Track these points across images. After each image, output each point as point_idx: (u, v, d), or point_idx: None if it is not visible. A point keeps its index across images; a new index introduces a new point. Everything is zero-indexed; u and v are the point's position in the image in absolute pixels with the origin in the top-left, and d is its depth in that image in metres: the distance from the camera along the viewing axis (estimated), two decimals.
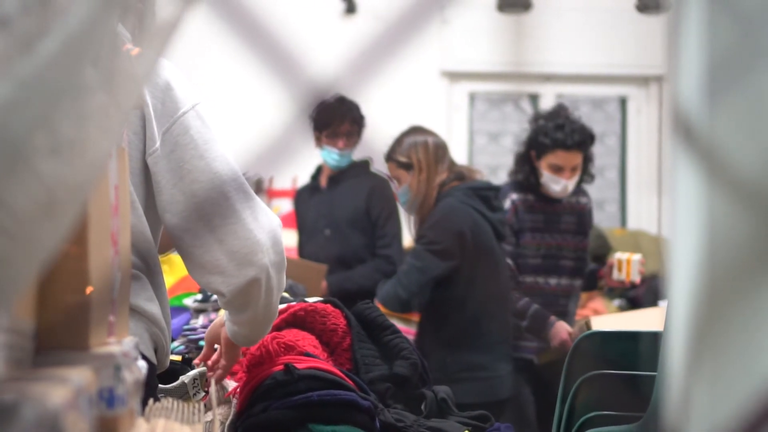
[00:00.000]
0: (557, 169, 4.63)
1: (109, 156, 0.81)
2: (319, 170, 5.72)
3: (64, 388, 0.92)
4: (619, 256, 4.61)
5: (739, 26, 0.73)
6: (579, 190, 4.84)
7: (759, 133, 0.73)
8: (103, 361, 1.25)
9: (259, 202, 2.19)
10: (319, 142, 5.53)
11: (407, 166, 4.71)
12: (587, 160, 4.72)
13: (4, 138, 0.74)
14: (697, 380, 0.73)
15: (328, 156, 5.48)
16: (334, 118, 5.43)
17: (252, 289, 2.17)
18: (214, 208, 2.12)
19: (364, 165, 5.59)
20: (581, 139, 4.60)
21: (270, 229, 2.18)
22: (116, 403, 1.26)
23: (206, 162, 2.12)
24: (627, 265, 4.56)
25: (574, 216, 4.79)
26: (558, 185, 4.64)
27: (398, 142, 4.83)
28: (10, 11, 0.72)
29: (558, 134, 4.61)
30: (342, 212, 5.38)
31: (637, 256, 4.58)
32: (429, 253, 4.36)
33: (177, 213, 2.11)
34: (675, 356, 0.75)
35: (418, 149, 4.80)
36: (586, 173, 4.75)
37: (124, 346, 1.40)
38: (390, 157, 4.77)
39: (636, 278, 4.58)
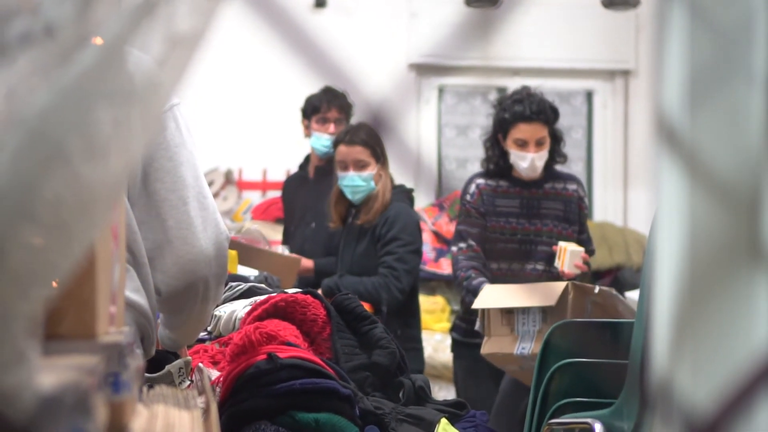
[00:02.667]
0: (522, 144, 4.59)
1: (138, 157, 0.87)
2: (307, 160, 5.79)
3: (86, 372, 0.99)
4: (561, 244, 4.45)
5: (718, 41, 0.81)
6: (568, 177, 4.81)
7: (735, 138, 0.80)
8: (109, 349, 1.31)
9: (212, 212, 2.27)
10: (308, 130, 5.63)
11: (378, 158, 4.81)
12: (556, 138, 4.70)
13: (45, 141, 0.80)
14: (680, 364, 0.81)
15: (318, 142, 5.58)
16: (322, 103, 5.55)
17: (189, 294, 2.26)
18: (171, 211, 2.20)
19: None
20: (539, 109, 4.60)
21: (217, 241, 2.27)
22: (122, 388, 1.32)
23: (173, 164, 2.20)
24: (563, 254, 4.39)
25: (560, 202, 4.70)
26: (525, 161, 4.58)
27: (361, 128, 4.90)
28: (53, 24, 0.79)
29: (516, 107, 4.62)
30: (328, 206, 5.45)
31: (575, 248, 4.40)
32: (411, 254, 4.87)
33: (137, 207, 2.19)
34: (659, 342, 0.83)
35: (383, 144, 4.93)
36: (557, 153, 4.71)
37: (125, 334, 1.46)
38: (362, 140, 4.82)
39: (568, 270, 4.34)
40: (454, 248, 4.68)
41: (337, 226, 4.98)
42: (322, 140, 5.55)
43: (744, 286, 0.80)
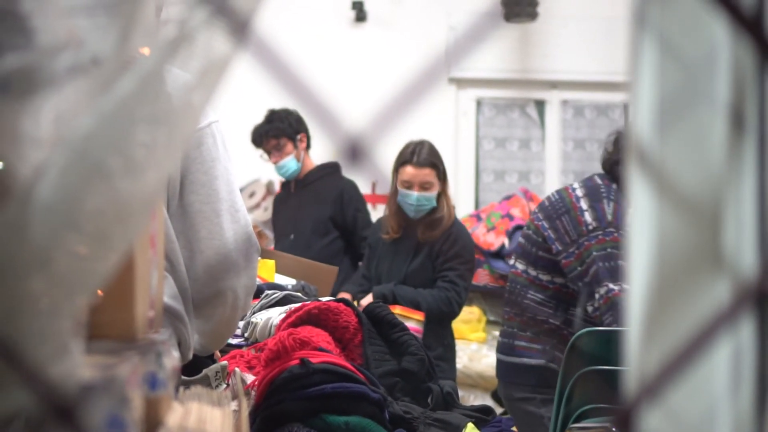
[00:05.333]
0: None
1: (172, 173, 0.97)
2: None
3: (126, 368, 1.10)
4: None
5: (685, 71, 0.90)
6: None
7: (700, 158, 0.90)
8: (147, 349, 1.42)
9: (244, 225, 2.35)
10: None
11: (441, 177, 4.92)
12: None
13: (87, 160, 0.91)
14: (649, 359, 0.90)
15: (276, 170, 5.83)
16: (259, 137, 5.78)
17: (218, 302, 2.34)
18: (203, 222, 2.29)
19: (329, 168, 5.81)
20: None
21: (248, 253, 2.36)
22: (158, 386, 1.43)
23: (208, 178, 2.29)
24: None
25: None
26: None
27: (424, 146, 4.97)
28: (96, 56, 0.90)
29: None
30: (306, 217, 5.58)
31: None
32: (469, 273, 4.99)
33: (174, 218, 2.29)
34: (632, 341, 0.92)
35: (443, 161, 5.03)
36: None
37: (162, 336, 1.57)
38: (430, 162, 4.89)
39: None
40: (615, 286, 3.75)
41: (392, 238, 5.05)
42: (276, 169, 5.80)
43: (707, 291, 0.89)
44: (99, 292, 1.21)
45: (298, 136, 5.78)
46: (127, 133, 0.92)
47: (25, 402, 0.90)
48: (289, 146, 5.74)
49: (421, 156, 4.89)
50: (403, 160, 4.96)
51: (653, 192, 0.90)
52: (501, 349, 4.11)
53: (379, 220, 5.24)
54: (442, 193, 4.95)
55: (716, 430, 0.89)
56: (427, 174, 4.87)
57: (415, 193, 4.88)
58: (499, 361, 4.12)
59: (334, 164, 5.87)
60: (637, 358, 0.91)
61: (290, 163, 5.74)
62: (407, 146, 5.01)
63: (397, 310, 4.54)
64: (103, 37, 0.92)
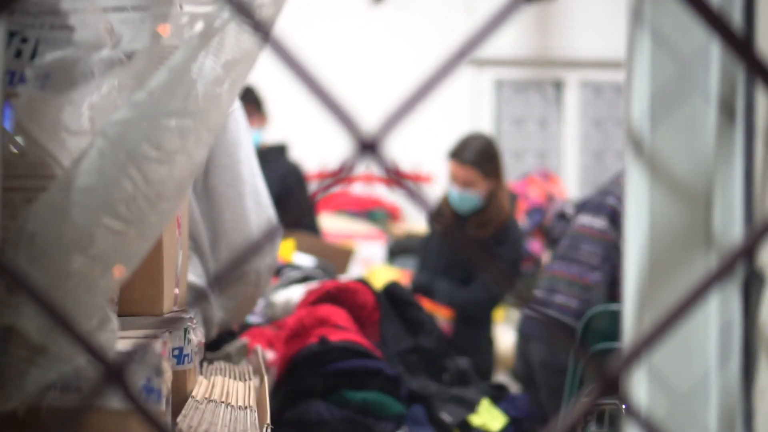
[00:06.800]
0: None
1: (201, 161, 1.04)
2: None
3: (157, 341, 1.17)
4: None
5: (677, 65, 0.97)
6: None
7: (690, 146, 0.96)
8: (175, 325, 1.50)
9: (266, 207, 2.42)
10: None
11: (489, 174, 4.78)
12: None
13: (121, 149, 0.98)
14: (642, 330, 0.97)
15: None
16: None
17: (242, 281, 2.41)
18: (227, 204, 2.36)
19: (276, 151, 5.82)
20: None
21: (271, 234, 2.43)
22: (185, 359, 1.51)
23: (232, 161, 2.36)
24: None
25: None
26: None
27: (474, 143, 4.86)
28: (130, 53, 0.97)
29: None
30: None
31: None
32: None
33: (199, 201, 2.36)
34: (627, 314, 0.99)
35: (500, 158, 4.88)
36: None
37: (189, 313, 1.65)
38: (472, 161, 4.67)
39: None
40: None
41: (443, 226, 4.93)
42: None
43: (698, 266, 0.96)
44: (118, 273, 1.29)
45: (262, 114, 5.81)
46: (159, 124, 0.99)
47: (64, 371, 0.98)
48: (255, 119, 5.74)
49: (466, 154, 4.79)
50: (451, 153, 4.88)
51: (648, 176, 0.97)
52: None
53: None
54: (495, 192, 4.78)
55: (707, 400, 0.96)
56: (467, 173, 4.72)
57: (455, 189, 4.81)
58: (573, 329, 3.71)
59: (281, 147, 5.89)
60: (631, 329, 0.98)
61: (254, 135, 5.74)
62: (461, 139, 4.90)
63: (425, 304, 4.51)
64: (137, 35, 0.99)
